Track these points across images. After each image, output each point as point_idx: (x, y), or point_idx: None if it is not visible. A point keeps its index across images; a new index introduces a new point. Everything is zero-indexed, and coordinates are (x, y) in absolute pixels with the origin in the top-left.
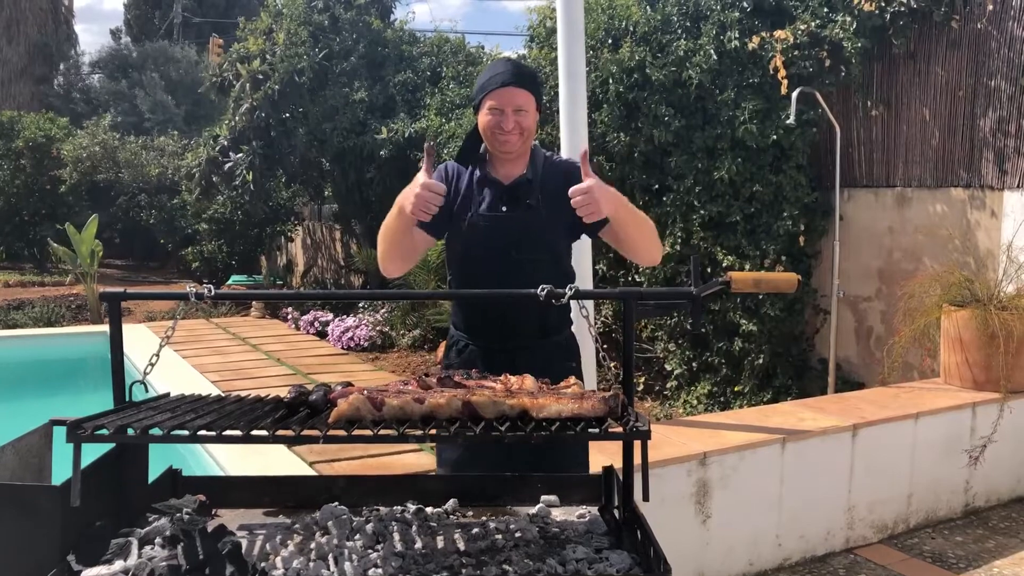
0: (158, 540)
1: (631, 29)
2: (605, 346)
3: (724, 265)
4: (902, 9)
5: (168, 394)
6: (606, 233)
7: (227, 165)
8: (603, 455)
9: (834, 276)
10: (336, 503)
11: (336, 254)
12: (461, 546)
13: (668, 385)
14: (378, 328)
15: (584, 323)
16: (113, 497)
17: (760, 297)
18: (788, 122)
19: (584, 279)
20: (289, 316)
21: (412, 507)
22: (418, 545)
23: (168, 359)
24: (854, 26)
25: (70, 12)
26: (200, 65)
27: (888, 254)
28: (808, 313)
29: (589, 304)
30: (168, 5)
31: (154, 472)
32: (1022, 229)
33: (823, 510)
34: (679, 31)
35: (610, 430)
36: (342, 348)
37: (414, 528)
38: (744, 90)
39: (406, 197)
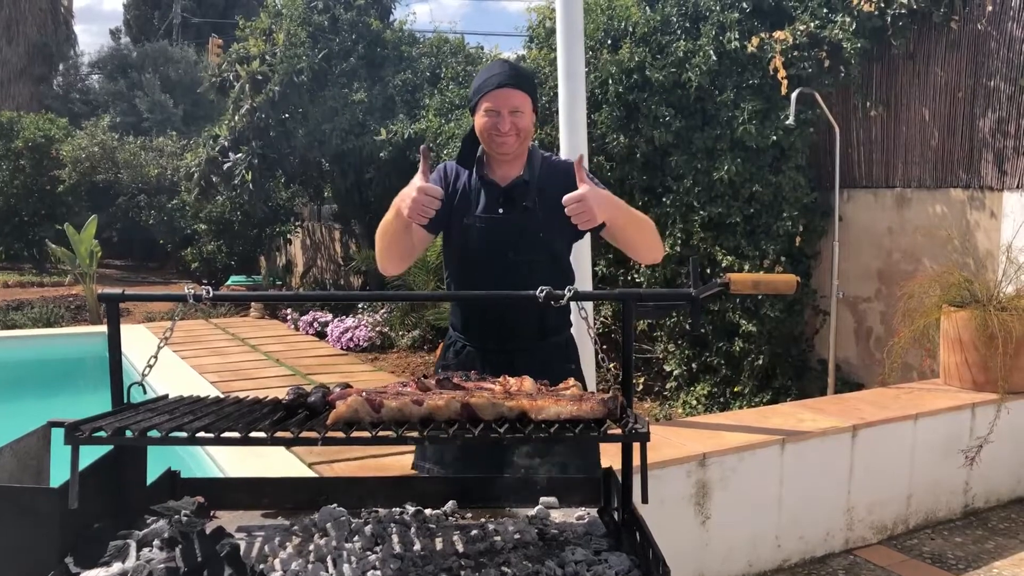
0: (156, 542)
1: (631, 30)
2: (604, 347)
3: (724, 266)
4: (901, 10)
5: (167, 395)
6: (606, 234)
7: (226, 165)
8: (603, 456)
9: (833, 277)
10: (335, 505)
11: (335, 254)
12: (460, 548)
13: (667, 386)
14: (377, 329)
15: (583, 324)
16: (111, 499)
17: (760, 298)
18: (787, 123)
19: (583, 279)
20: (288, 316)
21: (411, 509)
22: (417, 547)
23: (167, 360)
24: (853, 27)
25: (69, 12)
26: (199, 65)
27: (888, 255)
28: (808, 314)
29: (588, 305)
30: (167, 5)
31: (152, 474)
32: (1022, 230)
33: (822, 511)
34: (679, 32)
35: (609, 432)
36: (341, 349)
37: (413, 530)
38: (743, 91)
39: (403, 199)
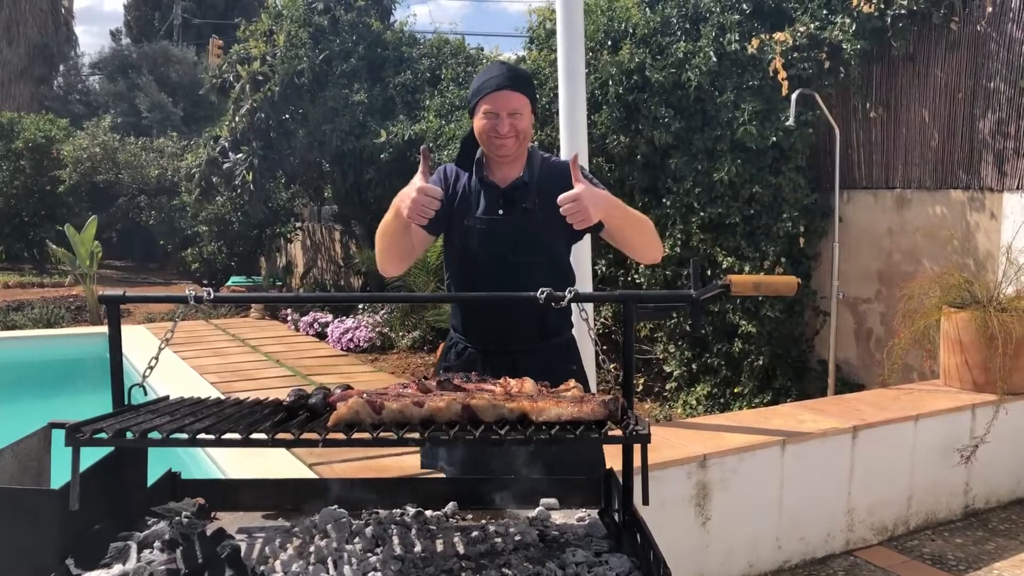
0: (157, 544)
1: (631, 31)
2: (605, 348)
3: (724, 267)
4: (901, 11)
5: (167, 396)
6: (605, 234)
7: (227, 166)
8: (604, 457)
9: (834, 278)
10: (335, 506)
11: (336, 255)
12: (460, 549)
13: (668, 386)
14: (377, 329)
15: (584, 325)
16: (112, 500)
17: (760, 299)
18: (787, 124)
19: (583, 280)
20: (288, 317)
21: (411, 510)
22: (417, 548)
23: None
24: (853, 28)
25: (70, 13)
26: (199, 66)
27: (888, 256)
28: (808, 315)
29: (588, 306)
30: (168, 6)
31: (153, 475)
32: (1022, 231)
33: (823, 512)
34: (679, 33)
35: (609, 434)
36: (341, 349)
37: (413, 531)
38: (744, 92)
39: (402, 200)
